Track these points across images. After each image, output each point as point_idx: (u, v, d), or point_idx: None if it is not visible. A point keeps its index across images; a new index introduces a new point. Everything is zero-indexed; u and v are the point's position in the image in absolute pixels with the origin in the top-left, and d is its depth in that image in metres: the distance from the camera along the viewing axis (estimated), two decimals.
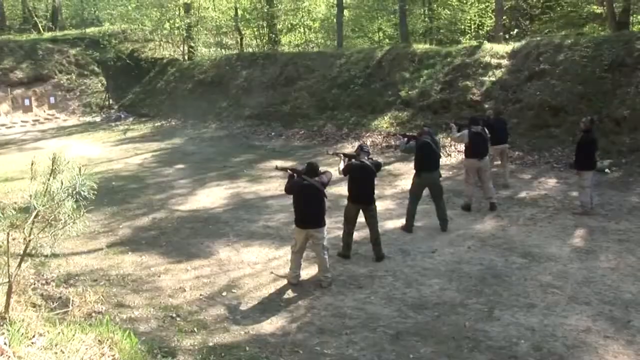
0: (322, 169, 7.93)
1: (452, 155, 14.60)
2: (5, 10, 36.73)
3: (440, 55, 18.59)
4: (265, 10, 27.24)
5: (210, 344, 6.25)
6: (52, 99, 26.87)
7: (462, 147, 12.65)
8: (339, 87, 20.04)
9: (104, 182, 13.06)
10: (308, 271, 8.03)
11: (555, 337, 6.06)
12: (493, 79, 16.49)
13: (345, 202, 8.54)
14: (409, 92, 17.93)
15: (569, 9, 22.60)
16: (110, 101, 27.51)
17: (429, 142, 9.43)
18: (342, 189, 10.25)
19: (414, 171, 9.75)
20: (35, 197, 4.71)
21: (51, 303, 6.92)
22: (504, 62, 16.84)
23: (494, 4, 22.14)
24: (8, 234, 4.92)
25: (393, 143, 16.02)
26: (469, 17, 24.35)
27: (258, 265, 8.45)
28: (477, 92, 16.45)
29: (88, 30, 32.67)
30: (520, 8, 23.97)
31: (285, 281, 7.78)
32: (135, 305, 7.24)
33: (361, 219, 8.39)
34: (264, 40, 28.73)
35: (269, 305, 7.15)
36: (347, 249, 8.51)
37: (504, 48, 17.48)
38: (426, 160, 9.45)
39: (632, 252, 8.29)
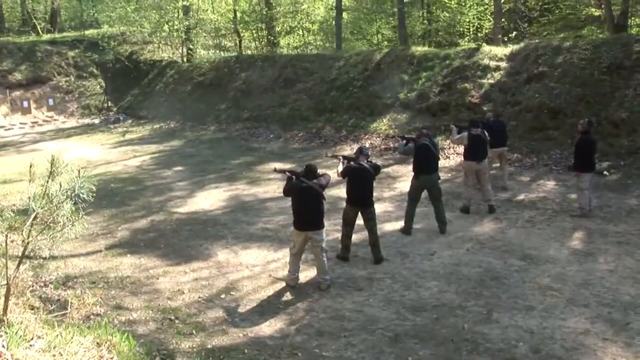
0: (320, 171, 7.94)
1: (451, 157, 14.61)
2: (4, 12, 36.72)
3: (439, 58, 18.61)
4: (264, 12, 27.24)
5: (209, 346, 6.25)
6: (50, 101, 26.83)
7: (460, 149, 12.67)
8: (338, 89, 20.04)
9: (103, 185, 13.05)
10: (307, 273, 8.04)
11: (554, 340, 6.07)
12: (492, 81, 16.51)
13: (344, 204, 8.54)
14: (408, 95, 17.95)
15: (567, 11, 22.63)
16: (109, 103, 27.48)
17: (428, 144, 9.44)
18: (341, 191, 10.26)
19: (412, 173, 9.75)
20: (34, 199, 4.71)
21: (49, 305, 6.91)
22: (503, 64, 16.86)
23: (493, 6, 22.19)
24: (6, 236, 4.92)
25: (392, 145, 16.03)
26: (467, 20, 24.36)
27: (257, 268, 8.45)
28: (475, 94, 16.47)
29: (87, 32, 32.64)
30: (518, 10, 23.98)
31: (283, 283, 7.78)
32: (133, 307, 7.24)
33: (360, 221, 8.39)
34: (263, 43, 28.75)
35: (268, 308, 7.15)
36: (345, 252, 8.51)
37: (502, 50, 17.50)
38: (425, 162, 9.45)
39: (631, 255, 8.29)
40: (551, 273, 7.78)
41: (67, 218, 4.86)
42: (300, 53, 26.32)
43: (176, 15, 28.50)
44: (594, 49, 15.15)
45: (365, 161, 8.29)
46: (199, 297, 7.50)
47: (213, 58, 27.82)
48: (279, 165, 11.33)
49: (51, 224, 4.86)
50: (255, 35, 29.21)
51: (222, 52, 29.87)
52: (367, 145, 15.76)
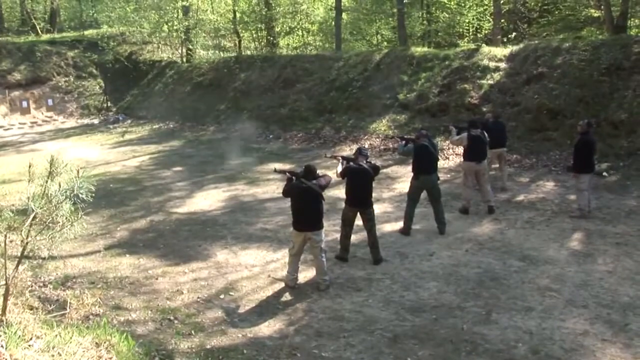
0: (320, 172, 7.93)
1: (450, 158, 14.61)
2: (4, 12, 36.70)
3: (438, 59, 18.61)
4: (264, 13, 27.23)
5: (208, 346, 6.24)
6: (49, 101, 26.83)
7: (460, 150, 12.67)
8: (337, 90, 20.04)
9: (102, 185, 13.05)
10: (306, 274, 8.03)
11: (553, 341, 6.07)
12: (491, 82, 16.52)
13: (343, 205, 8.54)
14: (407, 95, 17.95)
15: (567, 12, 22.63)
16: (108, 103, 27.48)
17: (427, 145, 9.44)
18: (340, 192, 10.25)
19: (411, 174, 9.75)
20: (33, 199, 4.71)
21: (48, 305, 6.91)
22: (502, 65, 16.87)
23: (492, 7, 22.20)
24: (5, 236, 4.92)
25: (391, 146, 16.04)
26: (467, 20, 24.38)
27: (256, 268, 8.45)
28: (475, 95, 16.47)
29: (86, 32, 32.65)
30: (518, 11, 24.00)
31: (282, 284, 7.78)
32: (132, 307, 7.23)
33: (359, 222, 8.39)
34: (262, 43, 28.74)
35: (267, 308, 7.15)
36: (344, 252, 8.51)
37: (502, 51, 17.51)
38: (424, 163, 9.45)
39: (630, 256, 8.30)
40: (550, 274, 7.78)
41: (66, 218, 4.86)
42: (300, 53, 26.31)
43: (176, 15, 28.50)
44: (593, 50, 15.16)
45: (365, 162, 8.28)
46: (198, 298, 7.49)
47: (212, 58, 27.82)
48: (278, 166, 11.33)
49: (50, 224, 4.86)
50: (254, 35, 29.20)
51: (221, 53, 29.85)
52: (366, 146, 15.76)
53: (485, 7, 23.87)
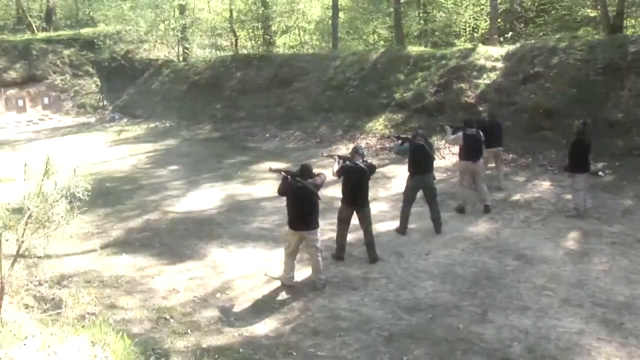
0: (316, 171, 7.93)
1: (447, 157, 14.62)
2: None
3: (435, 58, 18.62)
4: (260, 12, 27.20)
5: (204, 345, 6.24)
6: (46, 100, 26.79)
7: (456, 149, 12.67)
8: (334, 89, 20.04)
9: (98, 183, 12.97)
10: (302, 273, 8.03)
11: (548, 340, 6.08)
12: (487, 81, 16.53)
13: (339, 204, 8.54)
14: (404, 95, 17.95)
15: (563, 12, 22.64)
16: (105, 102, 27.43)
17: (423, 144, 9.44)
18: (336, 191, 10.25)
19: (407, 173, 9.75)
20: (29, 198, 4.69)
21: (44, 304, 6.90)
22: (499, 64, 16.88)
23: (489, 6, 22.21)
24: (1, 234, 4.90)
25: (387, 145, 16.03)
26: (463, 20, 24.39)
27: (252, 267, 8.44)
28: (471, 94, 16.48)
29: (82, 30, 32.49)
30: (514, 11, 24.02)
31: (279, 283, 7.78)
32: (128, 306, 7.22)
33: (355, 221, 8.39)
34: (259, 42, 28.72)
35: (263, 307, 7.15)
36: (340, 251, 8.50)
37: (498, 51, 17.53)
38: (420, 162, 9.44)
39: (625, 255, 8.32)
40: (546, 273, 7.80)
41: (62, 217, 4.85)
42: (297, 52, 26.31)
43: (172, 14, 28.44)
44: (589, 50, 15.19)
45: (361, 161, 8.28)
46: (194, 297, 7.49)
47: (209, 57, 27.80)
48: (274, 165, 11.32)
49: (46, 223, 4.85)
50: (251, 34, 29.18)
51: (218, 52, 29.84)
52: (362, 145, 15.76)
53: (481, 6, 23.88)
